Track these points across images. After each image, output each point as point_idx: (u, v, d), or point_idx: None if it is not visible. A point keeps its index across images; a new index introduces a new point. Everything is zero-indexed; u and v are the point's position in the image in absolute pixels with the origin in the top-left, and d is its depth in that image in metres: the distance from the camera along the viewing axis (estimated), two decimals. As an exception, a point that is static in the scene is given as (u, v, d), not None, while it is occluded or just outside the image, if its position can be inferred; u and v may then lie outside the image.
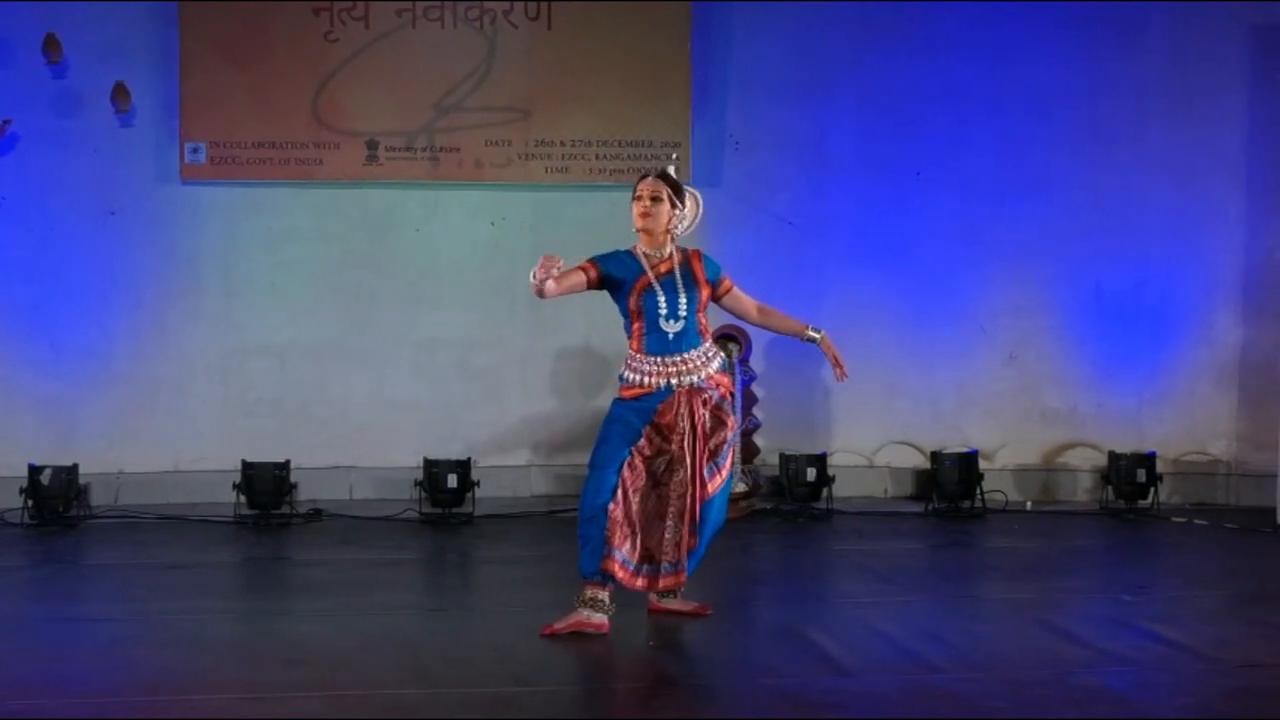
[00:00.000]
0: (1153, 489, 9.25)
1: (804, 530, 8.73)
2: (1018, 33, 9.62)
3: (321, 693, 5.14)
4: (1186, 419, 9.76)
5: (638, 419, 6.05)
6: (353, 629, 6.10)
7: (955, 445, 9.44)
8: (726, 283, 6.33)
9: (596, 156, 9.34)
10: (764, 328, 6.59)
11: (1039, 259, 9.66)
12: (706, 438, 6.10)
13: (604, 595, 6.00)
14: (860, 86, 9.61)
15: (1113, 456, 9.39)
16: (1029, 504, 9.56)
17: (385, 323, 9.47)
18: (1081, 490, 9.74)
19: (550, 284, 5.89)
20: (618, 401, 6.16)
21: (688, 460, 6.05)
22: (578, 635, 5.90)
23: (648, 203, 6.16)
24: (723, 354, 6.32)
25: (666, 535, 6.06)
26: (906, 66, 9.59)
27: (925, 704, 5.07)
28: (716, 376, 6.17)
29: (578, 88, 9.36)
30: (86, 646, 5.79)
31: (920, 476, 9.61)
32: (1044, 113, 9.63)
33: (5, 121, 8.94)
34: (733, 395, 6.42)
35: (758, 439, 9.38)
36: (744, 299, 6.39)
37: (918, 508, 9.32)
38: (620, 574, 5.99)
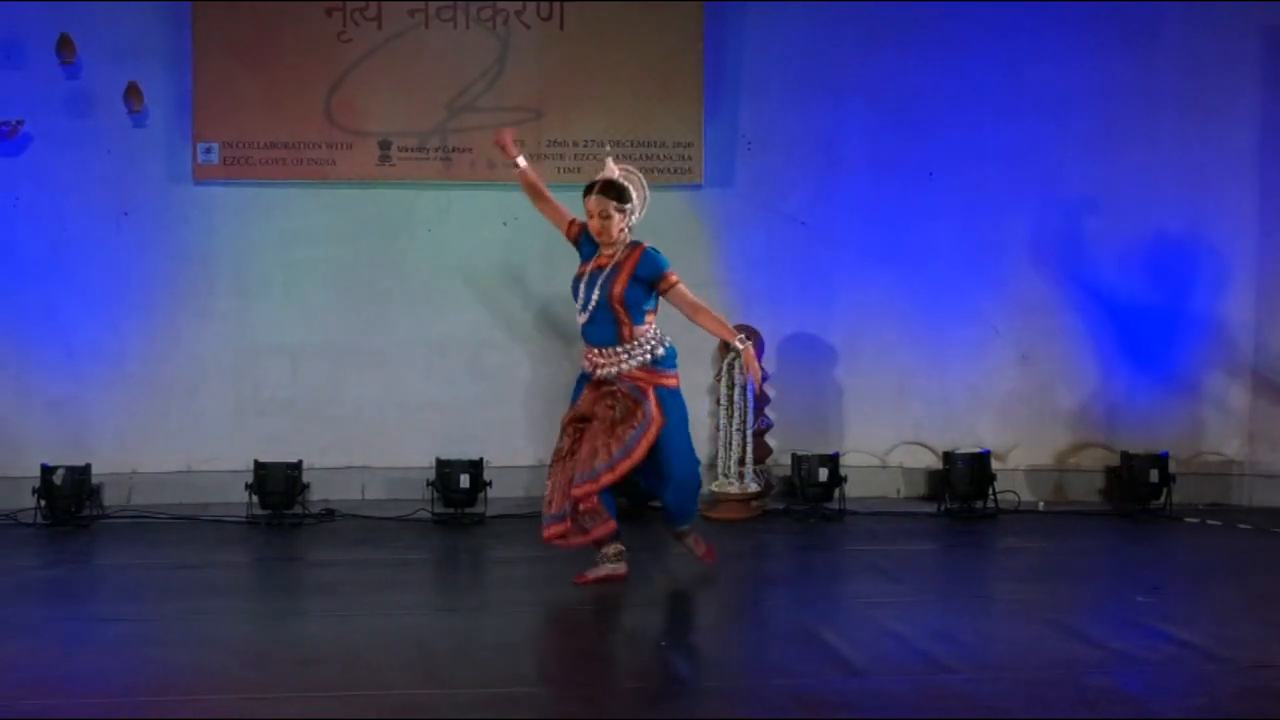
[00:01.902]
0: (1165, 489, 9.23)
1: (816, 531, 8.73)
2: (1030, 34, 9.59)
3: (333, 693, 5.16)
4: (1199, 419, 9.74)
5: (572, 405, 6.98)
6: (364, 629, 6.11)
7: (967, 446, 9.43)
8: (669, 279, 6.75)
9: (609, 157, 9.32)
10: (697, 325, 6.89)
11: (1051, 259, 9.64)
12: (613, 426, 6.70)
13: (609, 550, 6.90)
14: (873, 87, 9.60)
15: (1125, 457, 9.37)
16: (1041, 504, 9.55)
17: (398, 323, 9.47)
18: (1094, 490, 9.72)
19: (525, 164, 7.18)
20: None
21: (582, 450, 6.77)
22: (591, 634, 5.93)
23: (598, 222, 6.77)
24: (654, 352, 6.76)
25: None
26: (919, 68, 9.57)
27: (937, 704, 5.07)
28: (634, 372, 6.72)
29: (590, 88, 9.36)
30: (98, 646, 5.80)
31: (933, 477, 9.60)
32: (1056, 114, 9.61)
33: (18, 122, 8.96)
34: (665, 388, 6.79)
35: (770, 439, 9.37)
36: (684, 298, 6.77)
37: (930, 508, 9.31)
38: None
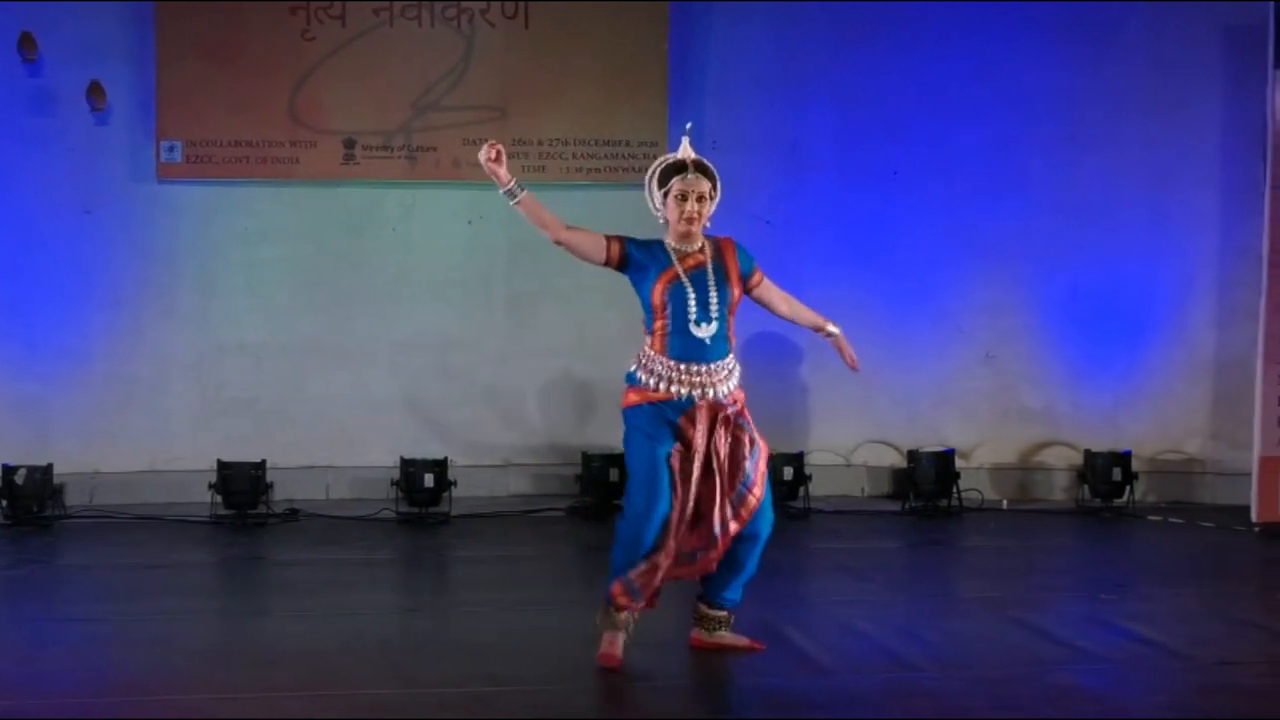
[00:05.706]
0: (1128, 487, 9.28)
1: (781, 529, 8.64)
2: (996, 34, 9.63)
3: (298, 693, 5.13)
4: (1162, 418, 9.78)
5: (663, 434, 5.38)
6: (329, 629, 6.09)
7: (932, 444, 9.45)
8: (759, 274, 5.71)
9: (573, 156, 9.33)
10: (790, 320, 5.90)
11: (1016, 259, 9.68)
12: (729, 464, 5.42)
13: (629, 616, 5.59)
14: (839, 86, 9.62)
15: (1088, 455, 9.42)
16: (1005, 503, 9.58)
17: (362, 322, 9.44)
18: (1058, 489, 9.76)
19: (538, 210, 5.65)
20: (632, 411, 5.46)
21: (713, 480, 5.41)
22: (556, 634, 5.93)
23: (694, 206, 5.64)
24: (739, 367, 5.59)
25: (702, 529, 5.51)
26: (885, 67, 9.60)
27: (903, 702, 5.09)
28: (735, 393, 5.49)
29: (555, 87, 9.35)
30: (62, 647, 5.76)
31: (897, 475, 9.62)
32: (1021, 113, 9.65)
33: (-20, 120, 8.93)
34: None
35: (735, 438, 9.37)
36: (774, 292, 5.77)
37: (895, 507, 9.33)
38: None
